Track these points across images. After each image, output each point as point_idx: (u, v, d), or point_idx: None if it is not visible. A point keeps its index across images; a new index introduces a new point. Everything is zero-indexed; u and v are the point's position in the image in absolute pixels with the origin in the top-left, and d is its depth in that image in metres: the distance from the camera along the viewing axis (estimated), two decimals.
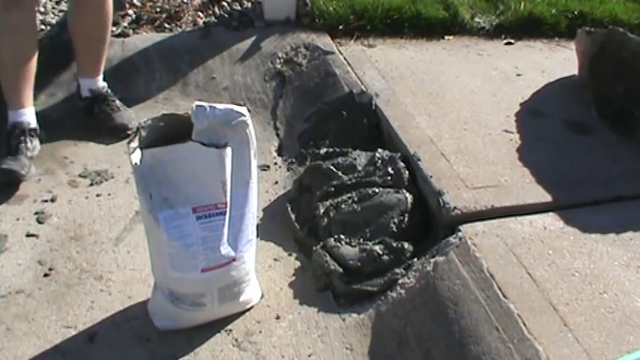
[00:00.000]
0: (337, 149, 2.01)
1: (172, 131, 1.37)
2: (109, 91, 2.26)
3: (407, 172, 1.85)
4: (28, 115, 1.99)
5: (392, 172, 1.84)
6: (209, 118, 1.30)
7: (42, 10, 2.61)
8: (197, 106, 1.31)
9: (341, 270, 1.62)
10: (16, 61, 1.95)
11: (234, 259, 1.41)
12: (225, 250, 1.39)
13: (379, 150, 1.93)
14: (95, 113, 2.22)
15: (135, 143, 1.34)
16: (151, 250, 1.43)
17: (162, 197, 1.33)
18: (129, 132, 2.16)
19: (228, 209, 1.38)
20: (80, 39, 2.17)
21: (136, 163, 1.32)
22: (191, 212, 1.34)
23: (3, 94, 2.00)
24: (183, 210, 1.34)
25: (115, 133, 2.19)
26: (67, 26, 2.21)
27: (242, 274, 1.46)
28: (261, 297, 1.60)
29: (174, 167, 1.33)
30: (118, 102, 2.24)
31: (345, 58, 2.47)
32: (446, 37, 2.78)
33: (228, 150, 1.34)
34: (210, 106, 1.31)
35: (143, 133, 1.35)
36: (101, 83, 2.25)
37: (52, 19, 2.57)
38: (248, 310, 1.56)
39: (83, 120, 2.24)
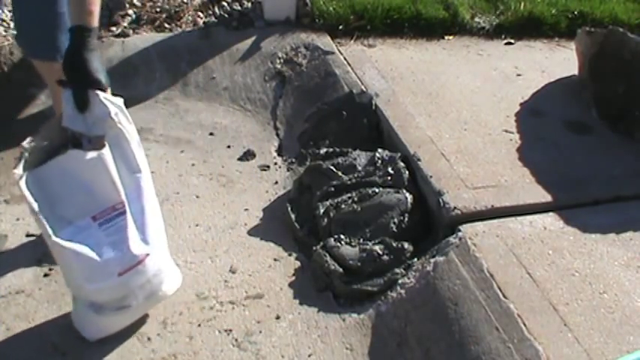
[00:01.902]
0: (337, 149, 2.01)
1: (61, 143, 1.33)
2: None
3: (407, 172, 1.85)
4: None
5: (392, 172, 1.84)
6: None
7: None
8: (66, 91, 1.28)
9: (341, 270, 1.62)
10: None
11: (147, 254, 1.37)
12: (137, 248, 1.35)
13: (379, 150, 1.93)
14: None
15: (20, 169, 1.27)
16: (63, 269, 1.38)
17: (57, 216, 1.28)
18: None
19: (127, 207, 1.34)
20: None
21: (25, 189, 1.26)
22: (91, 222, 1.31)
23: None
24: (83, 222, 1.30)
25: None
26: None
27: (158, 265, 1.42)
28: (261, 297, 1.60)
29: (60, 181, 1.29)
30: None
31: (345, 58, 2.47)
32: (446, 37, 2.78)
33: (107, 149, 1.31)
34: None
35: (28, 156, 1.29)
36: None
37: None
38: (174, 294, 1.51)
39: None
